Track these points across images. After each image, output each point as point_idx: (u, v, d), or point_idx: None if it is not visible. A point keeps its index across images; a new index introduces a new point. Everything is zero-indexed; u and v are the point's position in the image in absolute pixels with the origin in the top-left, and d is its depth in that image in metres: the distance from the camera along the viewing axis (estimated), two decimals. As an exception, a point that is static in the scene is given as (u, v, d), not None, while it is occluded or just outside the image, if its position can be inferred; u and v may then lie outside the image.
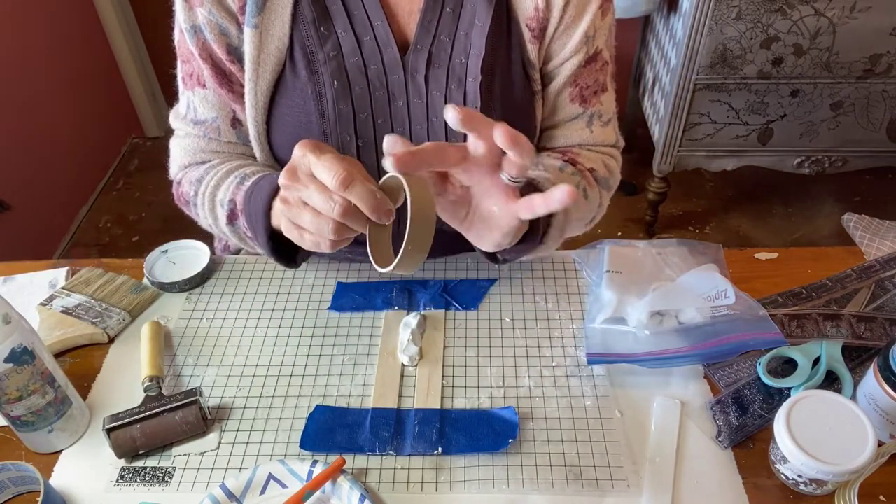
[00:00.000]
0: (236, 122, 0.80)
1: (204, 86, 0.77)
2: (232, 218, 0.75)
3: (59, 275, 0.88)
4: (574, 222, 0.77)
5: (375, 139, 0.77)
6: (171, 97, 0.91)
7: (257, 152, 0.80)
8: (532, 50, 0.76)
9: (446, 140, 0.76)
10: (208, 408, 0.70)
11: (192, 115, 0.80)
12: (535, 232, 0.68)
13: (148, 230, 2.27)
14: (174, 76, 0.82)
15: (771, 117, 1.83)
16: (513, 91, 0.77)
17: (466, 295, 0.84)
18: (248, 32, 0.73)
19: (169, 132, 0.87)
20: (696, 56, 1.71)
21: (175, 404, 0.67)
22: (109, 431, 0.65)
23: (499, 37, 0.74)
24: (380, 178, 0.58)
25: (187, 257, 0.88)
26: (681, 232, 2.22)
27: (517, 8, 0.74)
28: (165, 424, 0.67)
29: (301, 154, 0.56)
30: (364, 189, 0.53)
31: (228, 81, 0.77)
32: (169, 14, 0.79)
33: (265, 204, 0.66)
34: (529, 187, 0.69)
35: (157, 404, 0.67)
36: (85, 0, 2.28)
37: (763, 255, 0.89)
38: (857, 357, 0.75)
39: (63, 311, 0.81)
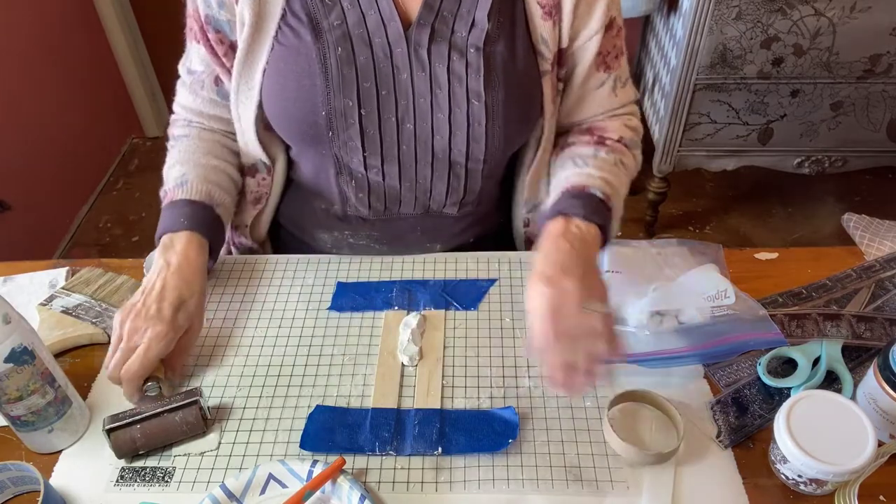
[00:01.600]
0: (218, 81, 0.85)
1: (198, 42, 0.82)
2: (163, 198, 0.84)
3: (59, 275, 0.88)
4: (624, 193, 0.84)
5: (379, 110, 0.78)
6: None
7: (234, 112, 0.85)
8: (544, 26, 0.78)
9: (448, 111, 0.78)
10: (208, 408, 0.70)
11: (189, 64, 0.87)
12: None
13: (148, 230, 2.27)
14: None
15: (771, 117, 1.83)
16: (515, 65, 0.78)
17: (466, 295, 0.84)
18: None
19: (169, 132, 0.91)
20: (696, 56, 1.71)
21: (175, 405, 0.67)
22: (109, 432, 0.65)
23: (502, 15, 0.76)
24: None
25: (187, 257, 0.88)
26: (681, 232, 2.22)
27: None
28: (165, 425, 0.67)
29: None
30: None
31: (211, 46, 0.81)
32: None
33: (160, 234, 0.79)
34: (576, 197, 0.76)
35: (158, 405, 0.67)
36: (85, 0, 2.28)
37: (763, 255, 0.89)
38: (857, 357, 0.75)
39: (63, 311, 0.81)
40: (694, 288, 0.79)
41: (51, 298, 0.83)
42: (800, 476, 0.61)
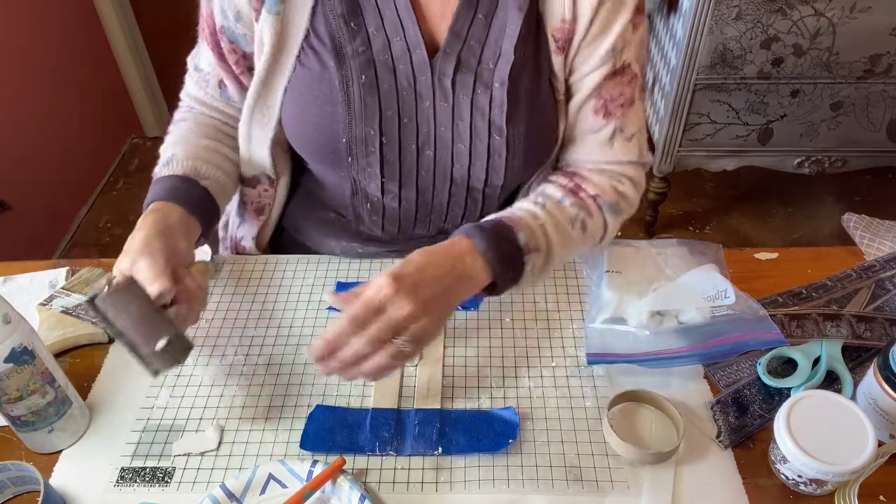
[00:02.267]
0: (222, 84, 0.85)
1: (208, 45, 0.82)
2: (153, 176, 0.81)
3: (59, 275, 0.88)
4: (563, 259, 0.78)
5: (400, 137, 0.77)
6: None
7: (244, 129, 0.83)
8: (556, 61, 0.76)
9: (469, 142, 0.77)
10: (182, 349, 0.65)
11: (197, 60, 0.86)
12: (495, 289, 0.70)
13: (148, 230, 2.27)
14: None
15: (771, 117, 1.83)
16: (539, 98, 0.77)
17: (466, 295, 0.84)
18: (267, 18, 0.73)
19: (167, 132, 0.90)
20: (696, 56, 1.71)
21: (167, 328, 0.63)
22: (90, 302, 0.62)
23: (527, 45, 0.74)
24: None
25: (187, 257, 0.88)
26: (681, 232, 2.22)
27: (546, 18, 0.74)
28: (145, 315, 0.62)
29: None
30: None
31: (220, 52, 0.81)
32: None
33: (144, 207, 0.75)
34: (498, 234, 0.69)
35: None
36: (85, 0, 2.28)
37: (763, 255, 0.89)
38: (857, 357, 0.75)
39: (63, 311, 0.81)
40: (694, 288, 0.79)
41: (51, 298, 0.83)
42: (800, 476, 0.61)
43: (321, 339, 0.61)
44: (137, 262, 0.65)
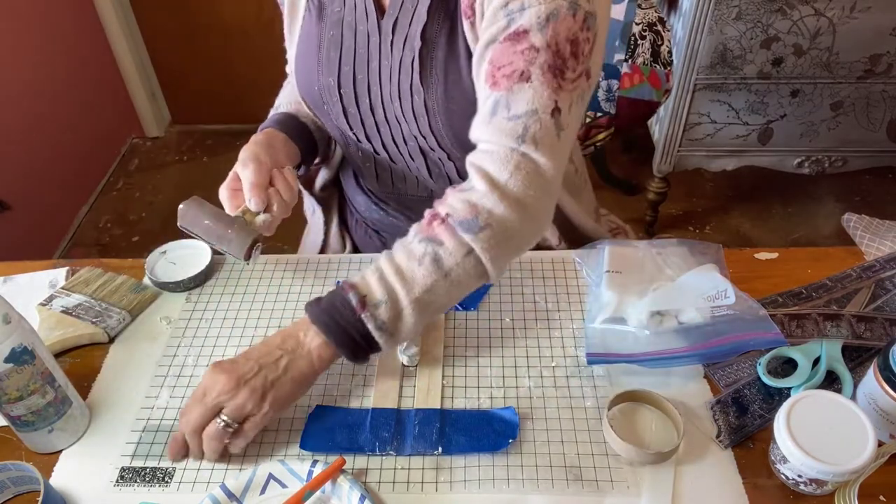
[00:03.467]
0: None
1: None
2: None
3: (59, 275, 0.88)
4: (432, 301, 0.67)
5: (356, 92, 0.83)
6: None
7: None
8: (466, 25, 0.73)
9: (400, 102, 0.81)
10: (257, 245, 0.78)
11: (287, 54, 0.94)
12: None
13: (148, 230, 2.27)
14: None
15: (771, 117, 1.83)
16: (457, 65, 0.75)
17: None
18: None
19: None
20: (696, 56, 1.71)
21: (240, 227, 0.76)
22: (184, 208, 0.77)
23: (445, 7, 0.76)
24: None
25: (187, 257, 0.88)
26: (681, 232, 2.22)
27: None
28: (221, 228, 0.76)
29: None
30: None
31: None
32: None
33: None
34: (334, 292, 0.67)
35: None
36: (85, 0, 2.28)
37: (763, 255, 0.89)
38: (857, 357, 0.75)
39: (63, 311, 0.81)
40: (694, 288, 0.79)
41: (51, 298, 0.83)
42: (800, 476, 0.61)
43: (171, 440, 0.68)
44: (247, 165, 0.79)
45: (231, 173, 0.81)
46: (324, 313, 0.66)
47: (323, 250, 1.05)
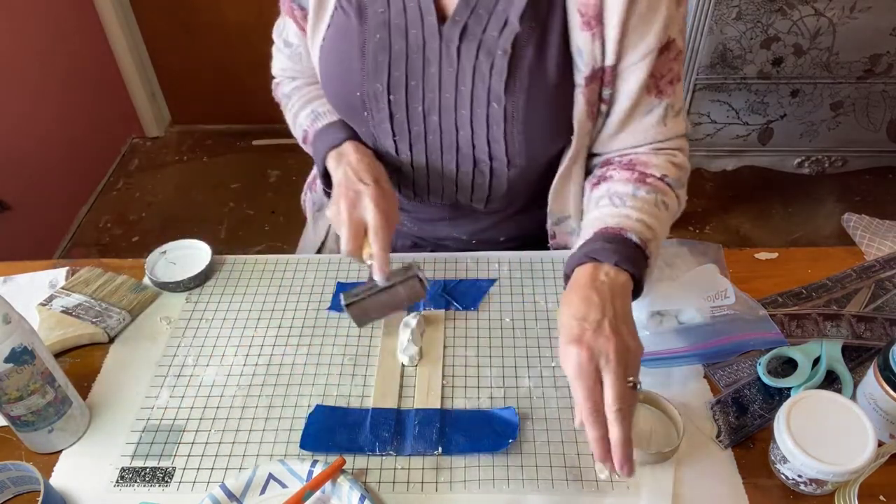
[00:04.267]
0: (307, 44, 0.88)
1: (288, 16, 0.87)
2: (304, 141, 0.91)
3: (59, 275, 0.88)
4: (664, 237, 0.78)
5: (407, 98, 0.80)
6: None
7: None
8: (581, 36, 0.74)
9: (470, 110, 0.78)
10: (426, 277, 0.76)
11: (285, 36, 0.92)
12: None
13: (148, 230, 2.27)
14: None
15: (771, 117, 1.83)
16: (545, 73, 0.76)
17: (466, 295, 0.84)
18: None
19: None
20: (696, 56, 1.71)
21: (399, 279, 0.74)
22: (348, 305, 0.75)
23: (537, 16, 0.74)
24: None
25: (187, 257, 0.88)
26: (681, 232, 2.22)
27: None
28: (392, 296, 0.75)
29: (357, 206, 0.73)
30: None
31: (296, 19, 0.86)
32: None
33: (323, 155, 0.83)
34: (609, 240, 0.69)
35: (383, 281, 0.73)
36: (85, 0, 2.28)
37: (763, 255, 0.89)
38: (857, 357, 0.75)
39: (63, 311, 0.81)
40: (694, 288, 0.79)
41: (51, 298, 0.83)
42: (800, 476, 0.61)
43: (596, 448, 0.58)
44: (371, 209, 0.74)
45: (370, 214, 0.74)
46: (618, 252, 0.67)
47: (321, 249, 1.04)
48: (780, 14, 1.62)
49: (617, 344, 0.59)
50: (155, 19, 2.42)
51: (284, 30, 0.91)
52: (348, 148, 0.81)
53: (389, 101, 0.80)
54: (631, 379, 0.59)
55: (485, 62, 0.76)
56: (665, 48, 0.74)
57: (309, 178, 1.08)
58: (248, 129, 2.65)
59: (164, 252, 0.89)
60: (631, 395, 0.58)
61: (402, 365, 0.76)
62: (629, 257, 0.67)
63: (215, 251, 0.89)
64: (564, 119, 0.79)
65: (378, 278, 0.73)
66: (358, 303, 0.75)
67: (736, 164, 1.94)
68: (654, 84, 0.77)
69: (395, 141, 0.83)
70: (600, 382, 0.58)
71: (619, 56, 0.74)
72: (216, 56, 2.49)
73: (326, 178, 0.84)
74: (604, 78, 0.76)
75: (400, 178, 0.88)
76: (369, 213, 0.73)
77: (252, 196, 2.38)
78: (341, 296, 0.76)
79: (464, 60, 0.76)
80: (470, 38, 0.76)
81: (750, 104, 1.80)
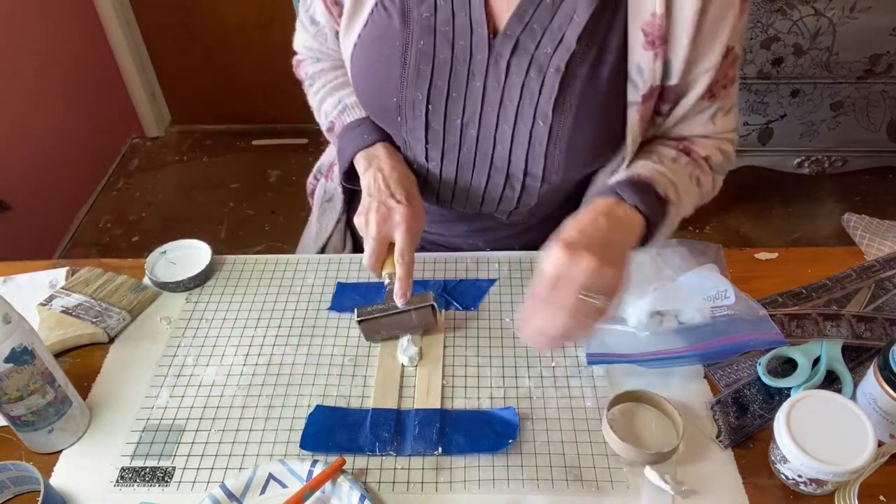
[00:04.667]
0: (338, 34, 0.84)
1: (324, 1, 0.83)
2: (329, 131, 0.89)
3: (59, 275, 0.88)
4: (685, 213, 0.81)
5: (446, 109, 0.78)
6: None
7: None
8: (644, 55, 0.72)
9: (513, 125, 0.76)
10: (438, 308, 0.77)
11: (312, 12, 0.86)
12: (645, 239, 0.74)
13: (148, 230, 2.27)
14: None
15: (771, 117, 1.83)
16: (597, 92, 0.74)
17: (466, 295, 0.84)
18: None
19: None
20: (696, 56, 1.71)
21: (414, 306, 0.74)
22: (360, 322, 0.75)
23: (595, 36, 0.72)
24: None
25: (187, 257, 0.88)
26: (681, 232, 2.20)
27: (632, 10, 0.71)
28: (403, 320, 0.75)
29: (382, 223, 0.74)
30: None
31: (327, 4, 0.82)
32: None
33: (351, 155, 0.82)
34: (637, 185, 0.72)
35: (397, 304, 0.74)
36: (85, 0, 2.28)
37: (763, 255, 0.89)
38: (857, 357, 0.75)
39: (63, 311, 0.81)
40: (694, 288, 0.79)
41: (51, 298, 0.83)
42: (800, 476, 0.61)
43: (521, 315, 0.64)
44: (399, 228, 0.74)
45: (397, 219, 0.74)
46: (640, 196, 0.71)
47: (323, 248, 1.01)
48: (780, 14, 1.62)
49: (595, 263, 0.60)
50: (155, 19, 2.42)
51: (311, 5, 0.86)
52: (381, 152, 0.80)
53: (427, 109, 0.78)
54: (590, 295, 0.60)
55: (535, 79, 0.73)
56: (724, 56, 0.73)
57: (319, 163, 1.04)
58: (248, 129, 2.65)
59: (164, 252, 0.89)
60: (584, 309, 0.61)
61: (402, 365, 0.76)
62: (650, 204, 0.71)
63: (215, 251, 0.89)
64: (610, 137, 0.78)
65: (399, 303, 0.73)
66: (371, 321, 0.75)
67: (736, 164, 1.94)
68: (710, 91, 0.76)
69: (426, 148, 0.81)
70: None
71: (684, 74, 0.74)
72: (216, 56, 2.49)
73: (347, 174, 0.83)
74: (663, 94, 0.76)
75: (425, 184, 0.86)
76: (399, 233, 0.73)
77: (252, 196, 2.38)
78: (355, 310, 0.75)
79: (512, 76, 0.74)
80: (521, 54, 0.73)
81: (750, 104, 1.80)
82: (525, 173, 0.80)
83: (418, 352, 0.76)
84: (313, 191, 1.05)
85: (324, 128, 0.91)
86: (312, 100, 0.93)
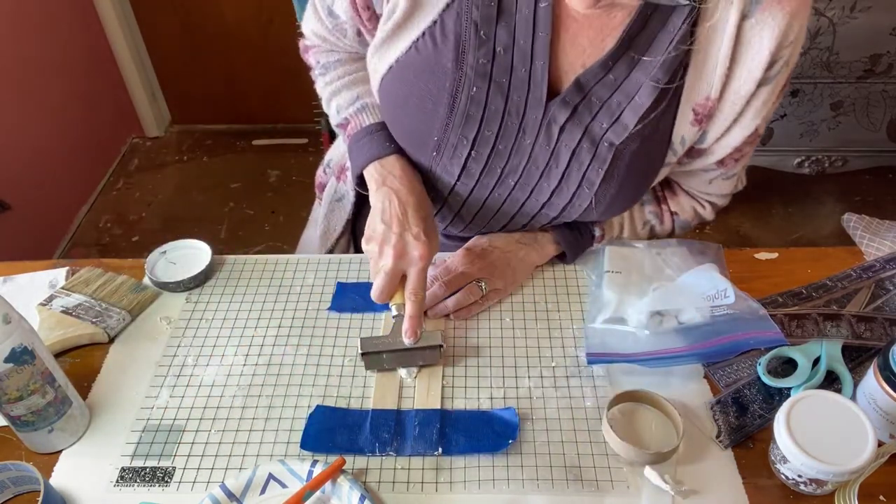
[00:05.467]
0: (360, 33, 0.82)
1: (353, 4, 0.78)
2: (341, 126, 0.87)
3: (59, 275, 0.88)
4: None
5: (489, 159, 0.77)
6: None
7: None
8: (689, 131, 0.74)
9: (555, 186, 0.77)
10: (443, 347, 0.75)
11: (330, 3, 0.81)
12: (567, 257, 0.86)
13: (148, 230, 2.27)
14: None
15: (771, 117, 1.83)
16: (642, 163, 0.75)
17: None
18: None
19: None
20: (696, 56, 1.71)
21: (423, 345, 0.73)
22: (364, 354, 0.73)
23: (651, 114, 0.71)
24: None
25: (187, 257, 0.88)
26: (681, 232, 2.22)
27: (688, 91, 0.71)
28: (408, 356, 0.74)
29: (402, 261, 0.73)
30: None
31: (356, 4, 0.77)
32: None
33: (363, 163, 0.80)
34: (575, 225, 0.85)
35: (404, 340, 0.73)
36: (85, 0, 2.28)
37: (763, 255, 0.89)
38: (857, 357, 0.75)
39: (63, 311, 0.81)
40: (694, 288, 0.79)
41: (51, 298, 0.83)
42: (800, 476, 0.61)
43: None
44: (418, 257, 0.73)
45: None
46: (571, 235, 0.85)
47: (332, 249, 0.99)
48: (780, 14, 1.62)
49: (486, 269, 0.82)
50: (155, 19, 2.42)
51: None
52: (396, 168, 0.78)
53: (469, 154, 0.76)
54: (479, 283, 0.81)
55: (586, 150, 0.73)
56: (751, 134, 0.75)
57: (329, 157, 1.02)
58: (248, 129, 2.65)
59: (164, 252, 0.89)
60: (475, 291, 0.80)
61: (401, 377, 0.75)
62: (573, 244, 0.85)
63: (215, 251, 0.89)
64: (640, 192, 0.82)
65: (407, 342, 0.72)
66: (374, 354, 0.74)
67: (736, 164, 1.94)
68: (723, 160, 0.79)
69: (455, 184, 0.80)
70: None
71: (716, 139, 0.76)
72: (216, 56, 2.49)
73: (359, 177, 0.82)
74: (691, 154, 0.79)
75: (441, 209, 0.86)
76: (414, 271, 0.72)
77: (252, 196, 2.38)
78: (360, 341, 0.74)
79: (563, 141, 0.73)
80: (575, 122, 0.73)
81: (750, 104, 1.80)
82: (553, 219, 0.82)
83: (417, 371, 0.75)
84: (321, 184, 1.03)
85: (334, 122, 0.88)
86: (323, 89, 0.90)
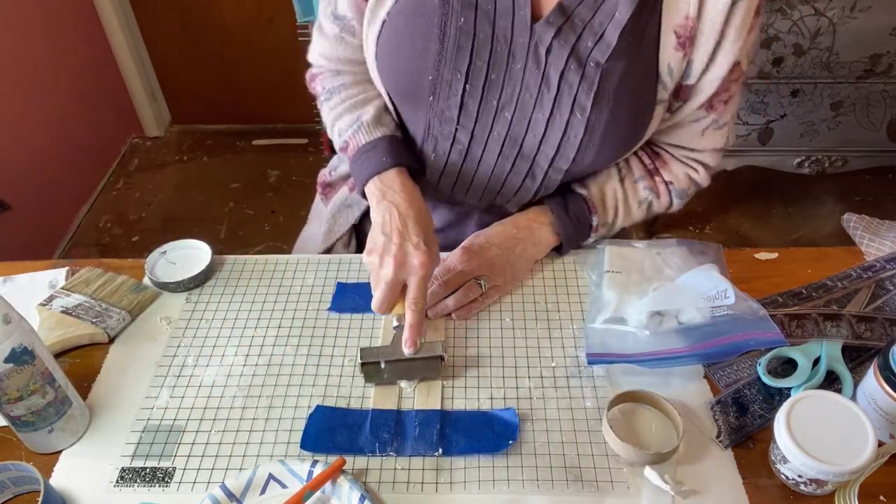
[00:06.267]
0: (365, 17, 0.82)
1: None
2: (343, 150, 0.88)
3: (59, 275, 0.88)
4: (621, 227, 0.91)
5: (483, 89, 0.77)
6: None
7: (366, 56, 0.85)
8: (674, 56, 0.75)
9: (549, 114, 0.77)
10: (444, 360, 0.74)
11: (334, 9, 0.84)
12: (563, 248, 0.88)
13: (148, 230, 2.27)
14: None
15: (771, 117, 1.83)
16: (632, 88, 0.76)
17: (466, 295, 0.84)
18: None
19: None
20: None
21: (423, 356, 0.73)
22: (363, 365, 0.72)
23: (634, 34, 0.73)
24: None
25: (187, 257, 0.88)
26: (681, 232, 2.22)
27: (666, 12, 0.73)
28: (409, 367, 0.73)
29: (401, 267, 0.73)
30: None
31: None
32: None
33: (364, 180, 0.81)
34: (581, 214, 0.86)
35: (405, 351, 0.72)
36: (85, 0, 2.28)
37: (763, 255, 0.89)
38: (857, 357, 0.75)
39: (63, 311, 0.81)
40: (694, 288, 0.79)
41: (51, 298, 0.83)
42: (800, 476, 0.61)
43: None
44: (422, 269, 0.73)
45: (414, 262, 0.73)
46: (570, 224, 0.86)
47: (331, 247, 0.99)
48: (780, 14, 1.62)
49: (486, 268, 0.82)
50: (155, 19, 2.42)
51: (332, 4, 0.84)
52: (396, 183, 0.78)
53: (465, 89, 0.77)
54: (480, 281, 0.82)
55: (574, 71, 0.74)
56: (731, 69, 0.76)
57: (338, 162, 1.03)
58: (248, 129, 2.65)
59: (164, 252, 0.89)
60: (467, 287, 0.81)
61: (400, 388, 0.74)
62: (571, 236, 0.86)
63: (215, 251, 0.89)
64: (637, 131, 0.81)
65: (407, 352, 0.72)
66: (373, 366, 0.73)
67: (736, 163, 1.94)
68: (710, 101, 0.79)
69: (455, 129, 0.80)
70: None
71: (700, 76, 0.76)
72: (216, 56, 2.49)
73: (364, 195, 0.82)
74: (679, 94, 0.79)
75: (443, 172, 0.86)
76: (414, 280, 0.72)
77: (252, 196, 2.38)
78: (359, 352, 0.73)
79: (552, 64, 0.75)
80: (561, 43, 0.74)
81: (750, 104, 1.80)
82: (551, 162, 0.81)
83: (417, 383, 0.75)
84: (325, 182, 1.04)
85: (337, 146, 0.89)
86: (327, 116, 0.91)
